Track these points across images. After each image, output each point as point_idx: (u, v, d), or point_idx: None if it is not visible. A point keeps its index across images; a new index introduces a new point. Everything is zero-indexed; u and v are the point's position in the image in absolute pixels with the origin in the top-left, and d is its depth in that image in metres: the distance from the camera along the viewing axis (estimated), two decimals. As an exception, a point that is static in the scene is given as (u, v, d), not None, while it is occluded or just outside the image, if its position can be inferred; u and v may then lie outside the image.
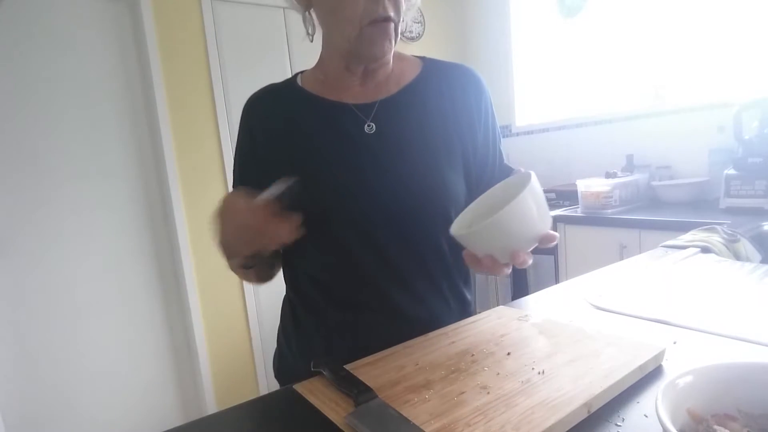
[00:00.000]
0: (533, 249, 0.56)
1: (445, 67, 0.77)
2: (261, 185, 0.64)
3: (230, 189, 0.77)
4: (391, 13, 0.64)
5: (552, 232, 0.55)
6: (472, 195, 0.70)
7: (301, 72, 0.79)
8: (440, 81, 0.75)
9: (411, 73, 0.76)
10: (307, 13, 0.72)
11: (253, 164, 0.75)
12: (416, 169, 0.69)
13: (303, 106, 0.73)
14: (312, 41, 0.75)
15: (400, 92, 0.73)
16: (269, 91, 0.77)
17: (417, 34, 2.92)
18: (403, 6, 0.66)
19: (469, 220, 0.60)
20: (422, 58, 0.79)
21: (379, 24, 0.64)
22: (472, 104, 0.75)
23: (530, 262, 0.55)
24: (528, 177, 0.54)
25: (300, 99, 0.74)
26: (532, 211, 0.52)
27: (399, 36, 0.69)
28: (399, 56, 0.77)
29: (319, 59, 0.76)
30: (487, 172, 0.77)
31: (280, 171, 0.67)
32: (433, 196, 0.69)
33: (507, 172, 0.82)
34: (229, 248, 0.67)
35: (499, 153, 0.81)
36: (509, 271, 0.57)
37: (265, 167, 0.72)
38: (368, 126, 0.71)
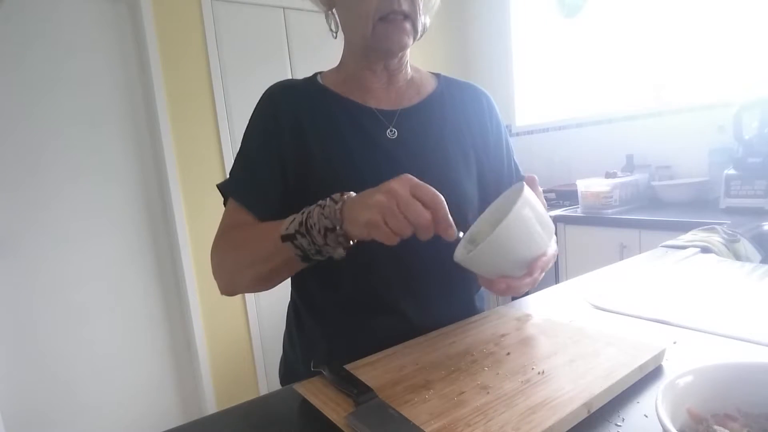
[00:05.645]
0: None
1: (458, 84, 0.82)
2: (275, 172, 0.67)
3: (231, 174, 0.73)
4: (405, 8, 0.65)
5: (546, 254, 0.56)
6: (489, 202, 0.70)
7: (320, 72, 0.79)
8: (455, 95, 0.79)
9: (429, 86, 0.79)
10: (330, 12, 0.74)
11: (275, 148, 0.70)
12: (434, 177, 0.69)
13: (328, 103, 0.73)
14: (336, 38, 0.76)
15: (421, 103, 0.76)
16: (292, 84, 0.75)
17: (417, 34, 2.92)
18: (420, 1, 0.67)
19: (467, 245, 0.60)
20: (437, 75, 0.83)
21: (393, 19, 0.65)
22: (485, 116, 0.80)
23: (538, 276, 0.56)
24: (520, 188, 0.53)
25: (324, 96, 0.74)
26: (531, 220, 0.51)
27: (420, 32, 0.70)
28: (416, 68, 0.80)
29: (341, 61, 0.77)
30: (504, 183, 0.80)
31: (300, 161, 0.69)
32: (450, 204, 0.69)
33: None
34: (353, 219, 0.55)
35: (515, 164, 0.84)
36: (525, 288, 0.57)
37: (286, 154, 0.69)
38: (390, 131, 0.72)
